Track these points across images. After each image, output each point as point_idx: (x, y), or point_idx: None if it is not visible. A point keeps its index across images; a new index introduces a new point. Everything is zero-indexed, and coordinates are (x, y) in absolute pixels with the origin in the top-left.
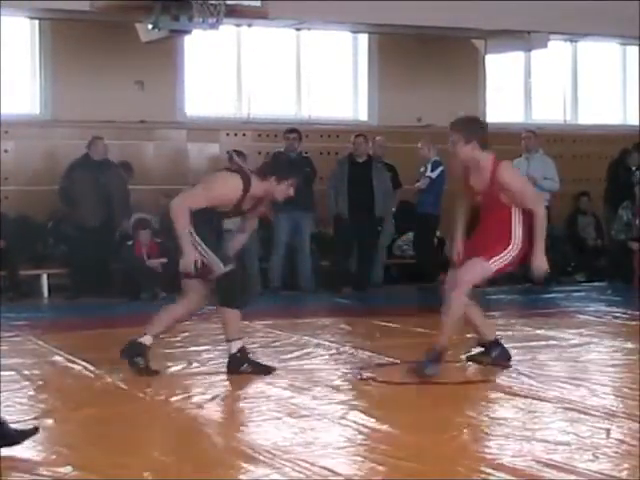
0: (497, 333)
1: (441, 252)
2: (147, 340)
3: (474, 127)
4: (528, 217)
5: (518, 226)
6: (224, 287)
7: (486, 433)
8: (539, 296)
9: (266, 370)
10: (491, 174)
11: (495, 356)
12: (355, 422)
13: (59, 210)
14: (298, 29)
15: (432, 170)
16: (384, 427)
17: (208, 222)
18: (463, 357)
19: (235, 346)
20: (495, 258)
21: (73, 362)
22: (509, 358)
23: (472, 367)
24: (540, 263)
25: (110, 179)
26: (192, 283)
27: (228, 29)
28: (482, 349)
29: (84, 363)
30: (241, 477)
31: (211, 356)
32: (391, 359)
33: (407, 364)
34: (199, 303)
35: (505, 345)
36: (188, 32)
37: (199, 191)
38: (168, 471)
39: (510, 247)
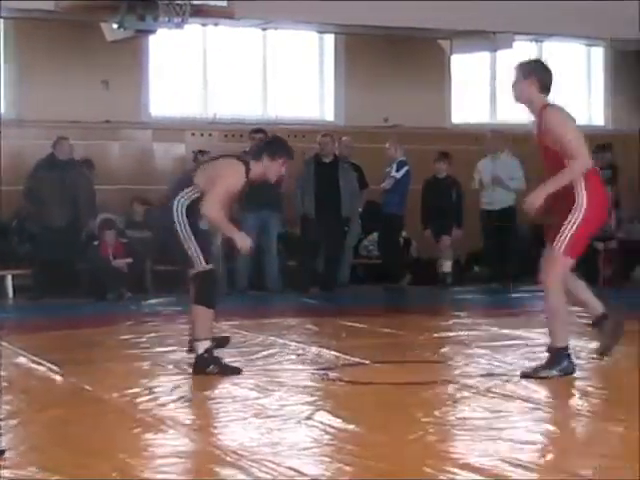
0: (465, 333)
1: (407, 252)
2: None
3: (536, 65)
4: (592, 172)
5: (580, 183)
6: (201, 285)
7: (453, 433)
8: (505, 296)
9: (233, 371)
10: (539, 116)
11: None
12: (322, 422)
13: (23, 209)
14: (264, 29)
15: (397, 170)
16: (351, 427)
17: (198, 217)
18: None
19: (202, 346)
20: (558, 240)
21: (38, 363)
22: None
23: (439, 367)
24: (533, 199)
25: (76, 179)
26: None
27: (194, 29)
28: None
29: (49, 364)
30: (207, 478)
31: (177, 357)
32: (358, 359)
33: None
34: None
35: (472, 345)
36: (154, 32)
37: (219, 189)
38: (133, 472)
39: (571, 216)
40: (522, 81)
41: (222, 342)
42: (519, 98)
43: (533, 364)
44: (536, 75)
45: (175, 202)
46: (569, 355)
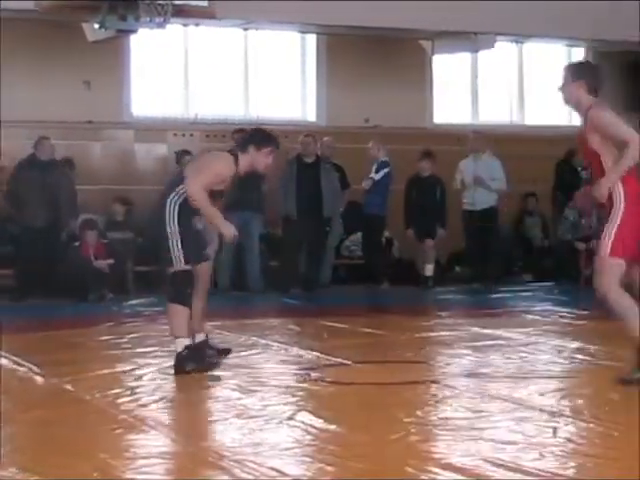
0: (447, 333)
1: (389, 252)
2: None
3: (585, 67)
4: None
5: (617, 182)
6: (177, 283)
7: (434, 433)
8: (487, 296)
9: (211, 366)
10: (585, 115)
11: None
12: (303, 422)
13: (4, 209)
14: (246, 29)
15: (377, 171)
16: (332, 427)
17: (190, 215)
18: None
19: (181, 344)
20: (602, 245)
21: (19, 364)
22: None
23: (421, 367)
24: (602, 188)
25: (57, 179)
26: (201, 267)
27: (175, 29)
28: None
29: (30, 365)
30: (189, 478)
31: (158, 357)
32: (339, 359)
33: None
34: (206, 284)
35: (454, 345)
36: (135, 32)
37: (207, 173)
38: (115, 473)
39: (611, 217)
40: (571, 83)
41: (224, 353)
42: (569, 100)
43: (514, 364)
44: (585, 77)
45: (168, 200)
46: None
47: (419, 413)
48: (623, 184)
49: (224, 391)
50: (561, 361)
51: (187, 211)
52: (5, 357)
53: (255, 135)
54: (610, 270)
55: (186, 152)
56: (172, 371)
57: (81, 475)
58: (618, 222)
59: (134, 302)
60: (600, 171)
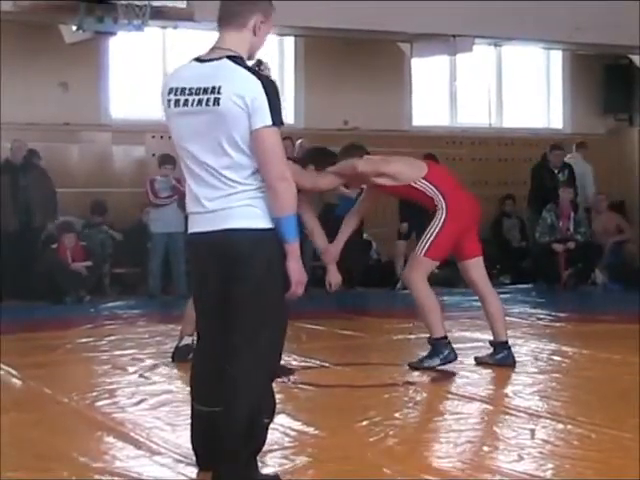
0: (425, 335)
1: (367, 254)
2: (189, 340)
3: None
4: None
5: (431, 189)
6: None
7: (413, 435)
8: (464, 298)
9: (287, 372)
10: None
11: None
12: (282, 425)
13: None
14: None
15: None
16: (311, 430)
17: None
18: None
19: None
20: (419, 247)
21: None
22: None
23: (399, 369)
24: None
25: (33, 181)
26: None
27: (153, 31)
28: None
29: (7, 367)
30: (166, 478)
31: (137, 359)
32: (318, 362)
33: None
34: None
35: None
36: (113, 34)
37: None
38: (94, 475)
39: (433, 223)
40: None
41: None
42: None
43: (490, 365)
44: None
45: None
46: (449, 344)
47: (398, 415)
48: (447, 200)
49: None
50: (539, 363)
51: None
52: None
53: (316, 155)
54: (421, 267)
55: (168, 156)
56: (150, 374)
57: (60, 477)
58: (437, 231)
59: (112, 304)
60: (419, 198)
